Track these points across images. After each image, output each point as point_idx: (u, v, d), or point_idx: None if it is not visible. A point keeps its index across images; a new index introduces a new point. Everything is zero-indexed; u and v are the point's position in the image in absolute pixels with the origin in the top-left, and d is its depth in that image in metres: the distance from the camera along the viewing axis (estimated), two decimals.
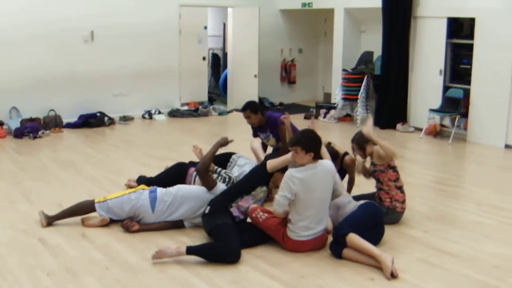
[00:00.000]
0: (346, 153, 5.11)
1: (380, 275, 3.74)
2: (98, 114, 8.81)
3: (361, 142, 4.62)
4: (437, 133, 8.52)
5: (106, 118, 8.85)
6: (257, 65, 10.45)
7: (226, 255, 3.86)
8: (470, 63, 8.13)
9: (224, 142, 4.87)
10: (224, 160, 5.62)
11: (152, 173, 5.72)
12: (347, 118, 9.88)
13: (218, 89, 11.85)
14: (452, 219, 4.96)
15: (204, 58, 10.49)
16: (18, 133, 7.82)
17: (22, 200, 5.20)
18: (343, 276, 3.75)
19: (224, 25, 11.99)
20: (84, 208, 4.59)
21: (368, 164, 4.81)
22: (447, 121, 8.69)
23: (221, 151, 5.15)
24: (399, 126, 8.95)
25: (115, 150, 7.35)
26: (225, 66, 11.30)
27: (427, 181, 6.32)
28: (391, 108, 9.09)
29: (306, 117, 9.95)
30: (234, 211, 4.27)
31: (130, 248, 4.14)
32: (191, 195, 4.48)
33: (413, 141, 8.29)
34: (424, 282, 3.67)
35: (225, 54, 11.54)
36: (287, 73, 11.71)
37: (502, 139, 7.72)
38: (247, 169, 5.28)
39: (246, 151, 6.02)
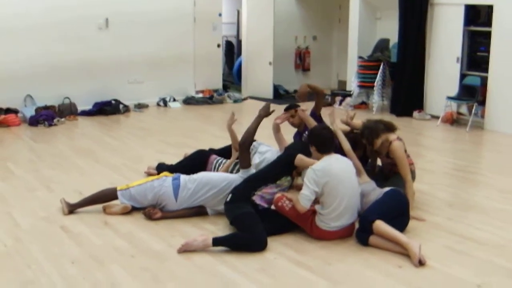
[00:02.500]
0: None
1: (407, 262, 3.70)
2: (113, 102, 8.78)
3: (370, 137, 4.56)
4: (454, 121, 8.42)
5: (121, 106, 8.82)
6: (272, 52, 10.37)
7: (253, 244, 3.83)
8: (487, 50, 8.02)
9: (267, 113, 4.76)
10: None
11: (170, 160, 5.70)
12: (363, 105, 9.79)
13: (232, 76, 11.78)
14: (475, 206, 4.91)
15: (218, 46, 10.41)
16: (33, 121, 7.80)
17: (41, 188, 5.19)
18: (370, 263, 3.71)
19: (238, 12, 11.90)
20: (106, 196, 4.57)
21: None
22: (464, 109, 8.60)
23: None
24: (415, 113, 8.86)
25: (131, 138, 7.32)
26: (239, 54, 11.22)
27: (447, 168, 6.26)
28: (407, 96, 8.99)
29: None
30: (257, 199, 4.22)
31: (155, 236, 4.12)
32: (215, 182, 4.43)
33: (430, 128, 8.21)
34: (452, 269, 3.63)
35: (239, 42, 11.45)
36: (302, 61, 11.63)
37: None
38: (268, 156, 5.22)
39: (263, 138, 5.95)
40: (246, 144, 4.56)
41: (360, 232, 4.00)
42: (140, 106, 9.21)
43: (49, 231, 4.20)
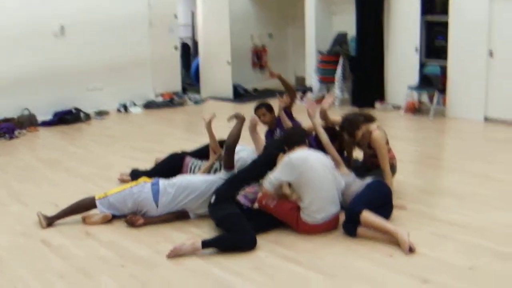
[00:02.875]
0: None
1: (397, 251, 3.74)
2: (74, 110, 8.54)
3: (351, 129, 4.59)
4: (416, 110, 8.61)
5: (82, 114, 8.58)
6: (230, 52, 10.32)
7: (243, 244, 3.79)
8: (445, 39, 8.23)
9: (242, 117, 4.72)
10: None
11: (141, 165, 5.59)
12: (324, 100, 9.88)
13: (189, 78, 11.66)
14: (450, 192, 5.01)
15: (176, 48, 10.29)
16: None
17: (13, 202, 4.99)
18: (360, 254, 3.74)
19: (193, 13, 11.79)
20: (84, 206, 4.42)
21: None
22: (425, 98, 8.80)
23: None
24: (377, 104, 9.01)
25: (97, 146, 7.14)
26: (196, 55, 11.12)
27: (416, 156, 6.39)
28: (369, 87, 9.13)
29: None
30: (241, 198, 4.19)
31: (139, 243, 4.02)
32: (195, 185, 4.36)
33: (394, 119, 8.36)
34: (442, 254, 3.70)
35: (195, 43, 11.34)
36: (259, 59, 11.63)
37: (481, 112, 7.85)
38: (243, 155, 5.17)
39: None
40: (232, 146, 4.51)
41: (347, 224, 4.02)
42: (101, 113, 8.99)
43: (30, 246, 4.04)
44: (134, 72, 9.57)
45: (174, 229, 4.24)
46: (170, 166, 5.23)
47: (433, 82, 8.30)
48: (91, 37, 8.90)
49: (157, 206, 4.31)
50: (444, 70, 8.22)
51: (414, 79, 8.57)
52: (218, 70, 10.47)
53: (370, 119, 4.67)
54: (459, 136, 7.39)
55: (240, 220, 3.93)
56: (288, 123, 4.98)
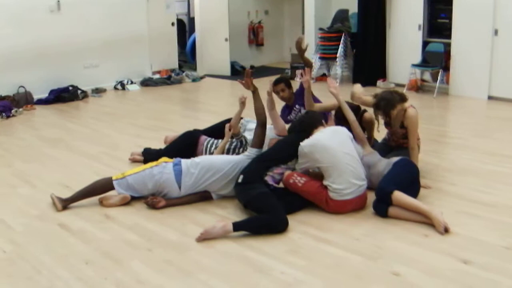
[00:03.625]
0: (364, 110, 4.98)
1: (431, 231, 3.67)
2: (71, 88, 8.28)
3: (387, 109, 4.46)
4: (418, 88, 8.54)
5: (79, 92, 8.32)
6: (228, 28, 10.10)
7: (275, 225, 3.67)
8: (448, 17, 8.15)
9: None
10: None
11: (147, 144, 5.45)
12: (324, 77, 9.75)
13: (184, 55, 11.42)
14: (470, 170, 4.94)
15: (173, 24, 10.03)
16: None
17: (22, 184, 4.78)
18: (396, 235, 3.65)
19: None
20: (101, 187, 4.24)
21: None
22: (427, 76, 8.73)
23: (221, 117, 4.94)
24: (379, 82, 8.92)
25: (98, 123, 6.92)
26: (191, 32, 10.85)
27: (427, 134, 6.28)
28: (370, 66, 9.03)
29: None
30: (269, 179, 4.06)
31: (165, 226, 3.86)
32: (219, 166, 4.20)
33: None
34: (476, 233, 3.63)
35: (190, 19, 11.06)
36: (255, 36, 11.42)
37: (485, 90, 7.81)
38: (251, 126, 5.07)
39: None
40: (265, 122, 4.45)
41: (378, 204, 3.93)
42: (98, 91, 8.74)
43: (47, 230, 3.85)
44: (131, 48, 9.32)
45: (199, 211, 4.10)
46: (186, 144, 5.08)
47: (436, 60, 8.22)
48: (88, 13, 8.62)
49: (179, 187, 4.16)
50: (447, 48, 8.14)
51: (417, 57, 8.48)
52: (215, 47, 10.25)
53: (404, 99, 4.55)
54: (465, 114, 7.33)
55: (271, 200, 3.81)
56: (311, 103, 4.82)
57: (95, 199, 4.25)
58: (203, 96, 8.94)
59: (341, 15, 9.44)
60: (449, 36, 8.08)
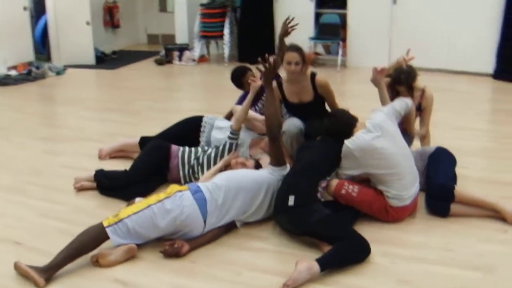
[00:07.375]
0: None
1: (506, 225, 3.34)
2: None
3: (411, 81, 3.96)
4: (313, 61, 8.25)
5: None
6: (89, 10, 8.62)
7: (360, 252, 2.98)
8: None
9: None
10: (194, 127, 4.49)
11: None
12: (204, 58, 8.95)
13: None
14: (466, 149, 4.62)
15: (25, 8, 8.20)
16: None
17: None
18: (479, 238, 3.23)
19: None
20: (90, 240, 3.02)
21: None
22: (320, 49, 8.48)
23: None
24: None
25: None
26: (39, 15, 9.02)
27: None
28: (257, 41, 8.45)
29: (158, 62, 8.76)
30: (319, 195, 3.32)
31: (216, 280, 2.86)
32: (245, 185, 3.32)
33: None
34: None
35: (36, 2, 9.13)
36: (111, 17, 10.04)
37: (385, 60, 7.78)
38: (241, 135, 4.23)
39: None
40: (276, 132, 3.52)
41: (439, 202, 3.47)
42: None
43: None
44: None
45: (237, 250, 3.16)
46: (154, 162, 4.06)
47: (332, 32, 7.99)
48: None
49: (204, 222, 3.19)
50: (343, 19, 7.95)
51: (310, 30, 8.15)
52: (74, 32, 8.72)
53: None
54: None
55: (341, 222, 3.11)
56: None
57: (85, 258, 3.04)
58: (76, 91, 7.39)
59: None
60: (343, 7, 7.88)
